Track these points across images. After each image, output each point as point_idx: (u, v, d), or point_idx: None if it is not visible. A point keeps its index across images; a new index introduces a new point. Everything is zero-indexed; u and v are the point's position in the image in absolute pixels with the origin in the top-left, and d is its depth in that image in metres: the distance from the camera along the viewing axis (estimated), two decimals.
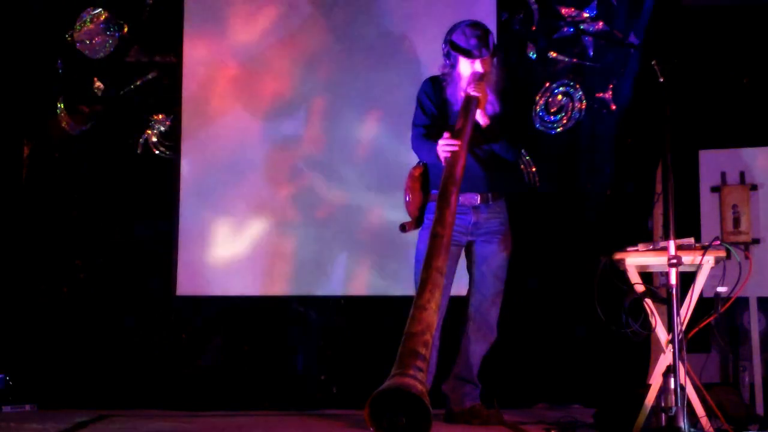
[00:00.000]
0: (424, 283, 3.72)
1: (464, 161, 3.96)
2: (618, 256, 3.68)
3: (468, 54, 4.10)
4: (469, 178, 4.13)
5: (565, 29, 5.23)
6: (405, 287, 4.61)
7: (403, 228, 4.23)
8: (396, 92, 5.05)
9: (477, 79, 4.08)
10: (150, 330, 5.10)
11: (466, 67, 4.13)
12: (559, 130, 5.21)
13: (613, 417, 3.82)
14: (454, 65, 4.17)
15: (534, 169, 5.17)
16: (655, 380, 3.53)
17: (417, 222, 4.20)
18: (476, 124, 4.11)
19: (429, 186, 4.17)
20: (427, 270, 3.75)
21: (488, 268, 4.22)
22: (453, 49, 4.14)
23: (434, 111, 4.22)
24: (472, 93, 4.04)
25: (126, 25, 5.22)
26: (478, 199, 4.18)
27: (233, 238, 5.15)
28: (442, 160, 3.99)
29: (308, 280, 5.15)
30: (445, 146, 3.98)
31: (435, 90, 4.25)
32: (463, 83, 4.11)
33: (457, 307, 4.24)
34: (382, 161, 5.16)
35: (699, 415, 3.51)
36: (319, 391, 5.05)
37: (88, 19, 5.21)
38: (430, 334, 3.62)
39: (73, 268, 5.12)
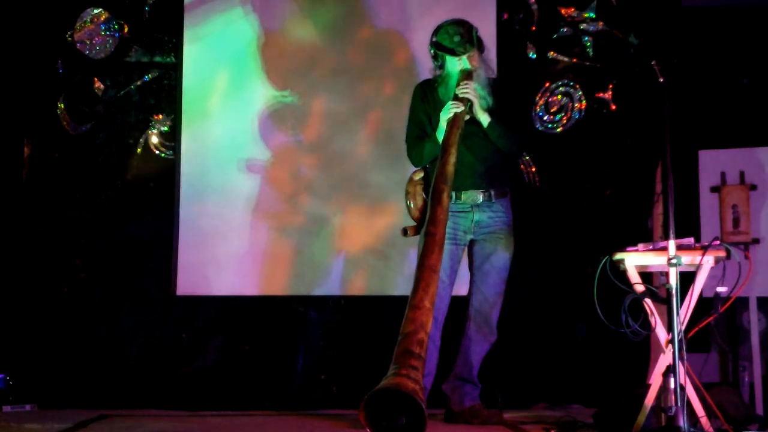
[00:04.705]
0: (417, 282, 3.73)
1: (455, 159, 3.97)
2: (618, 256, 3.68)
3: (453, 52, 4.15)
4: (470, 175, 4.15)
5: (565, 29, 5.23)
6: (405, 287, 4.61)
7: (405, 232, 4.23)
8: (395, 92, 5.05)
9: (466, 76, 4.11)
10: (150, 330, 5.11)
11: (454, 66, 4.17)
12: (559, 130, 5.21)
13: (613, 417, 3.82)
14: (442, 66, 4.23)
15: (534, 169, 5.18)
16: (655, 380, 3.53)
17: (420, 226, 4.17)
18: (474, 120, 4.12)
19: (429, 190, 4.17)
20: (421, 268, 3.76)
21: (490, 268, 4.22)
22: (438, 49, 4.19)
23: (425, 121, 4.25)
24: (461, 94, 4.08)
25: (126, 25, 5.22)
26: (480, 196, 4.18)
27: (233, 238, 5.14)
28: (446, 122, 4.03)
29: (308, 280, 5.15)
30: (451, 108, 4.04)
31: (425, 94, 4.28)
32: (453, 82, 4.14)
33: (458, 307, 4.24)
34: (381, 160, 5.16)
35: (699, 415, 3.50)
36: (319, 391, 5.05)
37: (88, 19, 5.22)
38: (425, 332, 3.61)
39: (73, 268, 5.12)
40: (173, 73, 5.23)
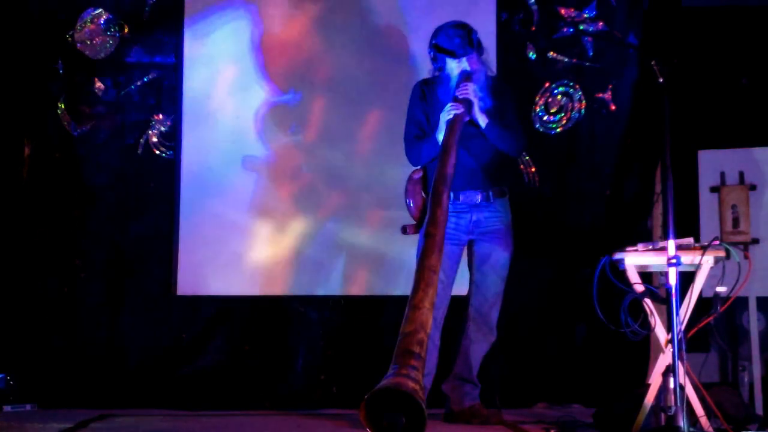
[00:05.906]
0: (417, 282, 3.73)
1: (454, 160, 3.98)
2: (618, 256, 3.68)
3: (453, 54, 4.17)
4: (468, 175, 4.16)
5: (565, 29, 5.23)
6: (405, 287, 4.61)
7: (405, 230, 4.24)
8: (396, 92, 5.04)
9: (464, 78, 4.13)
10: (150, 330, 5.11)
11: (454, 67, 4.19)
12: (558, 130, 5.21)
13: (613, 417, 3.82)
14: (442, 67, 4.25)
15: (533, 170, 5.18)
16: (655, 380, 3.53)
17: (419, 225, 4.18)
18: (473, 121, 4.13)
19: (429, 189, 4.18)
20: (421, 269, 3.76)
21: (489, 268, 4.22)
22: (438, 51, 4.22)
23: (424, 120, 4.25)
24: (461, 97, 4.10)
25: (126, 26, 5.23)
26: (479, 197, 4.19)
27: (233, 237, 5.15)
28: (445, 123, 4.05)
29: (308, 280, 5.15)
30: (451, 109, 4.05)
31: (424, 94, 4.29)
32: (453, 83, 4.15)
33: (458, 307, 4.25)
34: (381, 160, 5.16)
35: (698, 415, 3.51)
36: (319, 391, 5.05)
37: (89, 19, 5.22)
38: (425, 332, 3.62)
39: (73, 268, 5.11)
40: (173, 73, 5.24)
